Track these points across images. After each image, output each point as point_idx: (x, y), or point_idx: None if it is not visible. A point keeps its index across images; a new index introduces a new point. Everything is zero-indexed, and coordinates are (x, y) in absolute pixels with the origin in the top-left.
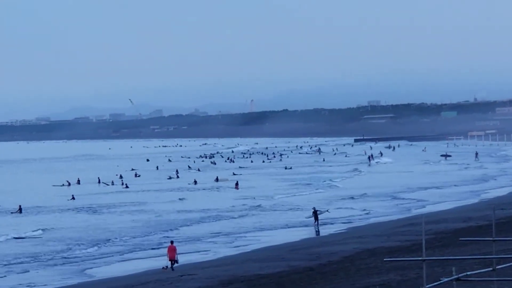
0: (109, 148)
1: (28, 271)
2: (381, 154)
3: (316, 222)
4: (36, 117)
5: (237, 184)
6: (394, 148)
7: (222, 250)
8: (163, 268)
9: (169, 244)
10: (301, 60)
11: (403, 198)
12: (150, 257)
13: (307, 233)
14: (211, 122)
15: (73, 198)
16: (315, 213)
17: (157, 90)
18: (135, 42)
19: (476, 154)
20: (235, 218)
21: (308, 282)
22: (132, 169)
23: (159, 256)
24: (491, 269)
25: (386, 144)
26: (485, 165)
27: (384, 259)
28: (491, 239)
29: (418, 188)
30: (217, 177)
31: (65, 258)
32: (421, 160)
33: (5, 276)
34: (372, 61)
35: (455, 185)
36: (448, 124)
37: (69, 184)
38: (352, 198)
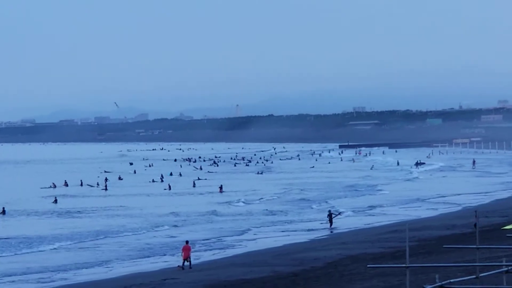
0: (101, 152)
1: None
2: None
3: (330, 225)
4: (21, 119)
5: (221, 187)
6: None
7: None
8: (178, 266)
9: (184, 244)
10: (287, 65)
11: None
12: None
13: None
14: (196, 126)
15: (56, 201)
16: (330, 216)
17: (143, 94)
18: (121, 45)
19: (474, 162)
20: None
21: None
22: (105, 171)
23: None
24: (474, 276)
25: (368, 150)
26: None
27: (368, 266)
28: (474, 246)
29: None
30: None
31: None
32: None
33: None
34: (358, 67)
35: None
36: (433, 131)
37: (55, 186)
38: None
